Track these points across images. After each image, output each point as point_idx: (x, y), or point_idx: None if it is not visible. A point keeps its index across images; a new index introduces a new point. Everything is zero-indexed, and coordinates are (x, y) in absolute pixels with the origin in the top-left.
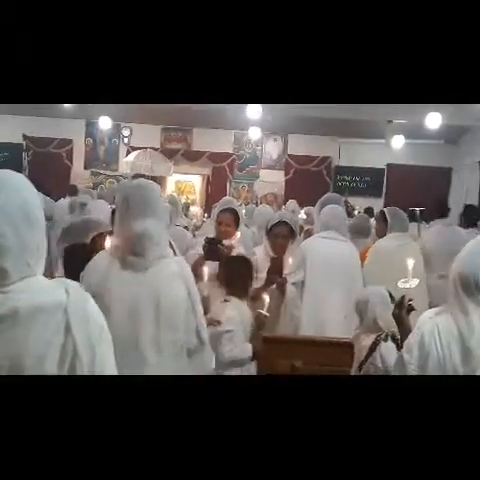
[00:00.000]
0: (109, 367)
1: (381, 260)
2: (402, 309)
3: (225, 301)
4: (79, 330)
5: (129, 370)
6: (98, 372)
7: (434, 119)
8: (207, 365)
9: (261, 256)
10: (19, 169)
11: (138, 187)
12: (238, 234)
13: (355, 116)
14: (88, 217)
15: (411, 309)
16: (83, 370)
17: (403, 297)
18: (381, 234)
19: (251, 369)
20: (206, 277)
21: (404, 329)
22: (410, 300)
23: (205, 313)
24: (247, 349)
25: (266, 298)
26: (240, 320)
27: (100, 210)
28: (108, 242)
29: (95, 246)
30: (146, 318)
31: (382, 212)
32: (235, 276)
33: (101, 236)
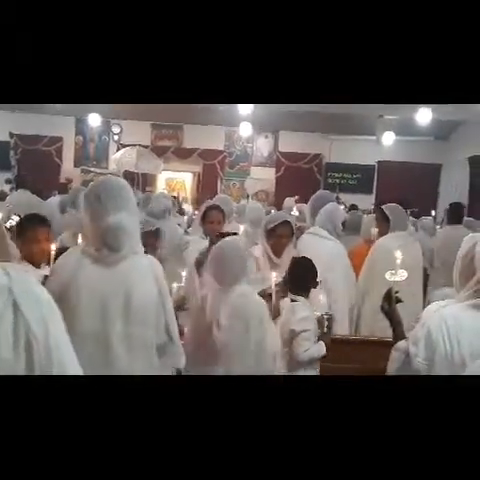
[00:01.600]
0: (63, 340)
1: (384, 259)
2: (390, 302)
3: (292, 301)
4: (28, 307)
5: (99, 365)
6: (53, 347)
7: (424, 115)
8: (176, 362)
9: (259, 256)
10: (8, 167)
11: (108, 183)
12: (241, 228)
13: (346, 111)
14: None
15: (398, 301)
16: (39, 347)
17: (390, 289)
18: (383, 233)
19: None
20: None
21: (394, 322)
22: (396, 292)
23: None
24: (322, 348)
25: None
26: (313, 320)
27: None
28: (79, 240)
29: None
30: (116, 313)
31: (381, 210)
32: (302, 277)
33: None
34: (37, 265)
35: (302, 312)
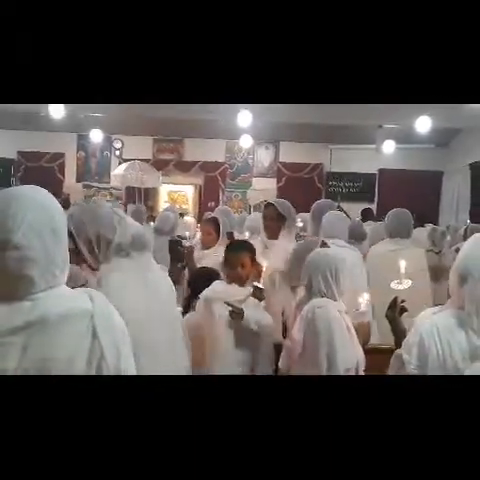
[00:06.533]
0: (131, 368)
1: (374, 265)
2: (395, 310)
3: None
4: (105, 335)
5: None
6: (123, 372)
7: (424, 123)
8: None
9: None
10: (9, 185)
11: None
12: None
13: (345, 121)
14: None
15: (404, 310)
16: (109, 370)
17: (395, 298)
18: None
19: None
20: None
21: (398, 330)
22: (402, 301)
23: None
24: None
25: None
26: None
27: None
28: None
29: None
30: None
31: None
32: None
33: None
34: None
35: None
